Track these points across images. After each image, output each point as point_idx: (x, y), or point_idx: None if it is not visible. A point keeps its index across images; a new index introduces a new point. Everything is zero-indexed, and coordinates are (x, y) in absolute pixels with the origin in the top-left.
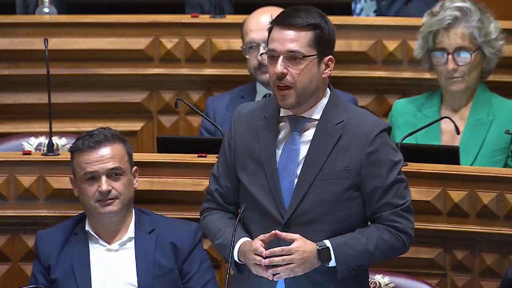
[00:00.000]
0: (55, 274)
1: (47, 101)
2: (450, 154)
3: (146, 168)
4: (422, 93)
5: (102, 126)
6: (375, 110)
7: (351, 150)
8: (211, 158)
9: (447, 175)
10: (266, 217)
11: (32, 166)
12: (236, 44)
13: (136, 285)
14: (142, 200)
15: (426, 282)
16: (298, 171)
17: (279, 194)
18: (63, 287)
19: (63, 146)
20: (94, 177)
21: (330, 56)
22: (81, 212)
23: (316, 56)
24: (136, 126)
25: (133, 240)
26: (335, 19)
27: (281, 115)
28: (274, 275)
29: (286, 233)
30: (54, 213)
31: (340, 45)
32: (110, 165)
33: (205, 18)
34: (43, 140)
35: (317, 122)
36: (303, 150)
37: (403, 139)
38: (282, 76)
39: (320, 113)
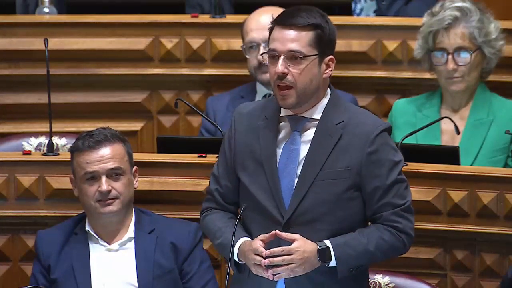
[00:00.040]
0: (55, 274)
1: (47, 101)
2: (450, 154)
3: (146, 168)
4: (422, 93)
5: (102, 126)
6: (375, 110)
7: (352, 150)
8: (211, 158)
9: (447, 175)
10: (266, 217)
11: (32, 166)
12: (236, 44)
13: (136, 285)
14: (142, 200)
15: (426, 282)
16: (298, 171)
17: (279, 194)
18: (63, 287)
19: (63, 146)
20: (94, 177)
21: (330, 56)
22: (81, 212)
23: (316, 56)
24: (136, 126)
25: (133, 240)
26: (335, 19)
27: (281, 115)
28: (274, 275)
29: (286, 233)
30: (54, 213)
31: (340, 45)
32: (110, 165)
33: (205, 18)
34: (43, 140)
35: (317, 122)
36: (304, 150)
37: (403, 139)
38: (282, 76)
39: (321, 113)
